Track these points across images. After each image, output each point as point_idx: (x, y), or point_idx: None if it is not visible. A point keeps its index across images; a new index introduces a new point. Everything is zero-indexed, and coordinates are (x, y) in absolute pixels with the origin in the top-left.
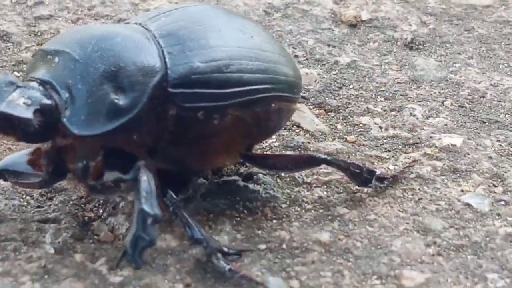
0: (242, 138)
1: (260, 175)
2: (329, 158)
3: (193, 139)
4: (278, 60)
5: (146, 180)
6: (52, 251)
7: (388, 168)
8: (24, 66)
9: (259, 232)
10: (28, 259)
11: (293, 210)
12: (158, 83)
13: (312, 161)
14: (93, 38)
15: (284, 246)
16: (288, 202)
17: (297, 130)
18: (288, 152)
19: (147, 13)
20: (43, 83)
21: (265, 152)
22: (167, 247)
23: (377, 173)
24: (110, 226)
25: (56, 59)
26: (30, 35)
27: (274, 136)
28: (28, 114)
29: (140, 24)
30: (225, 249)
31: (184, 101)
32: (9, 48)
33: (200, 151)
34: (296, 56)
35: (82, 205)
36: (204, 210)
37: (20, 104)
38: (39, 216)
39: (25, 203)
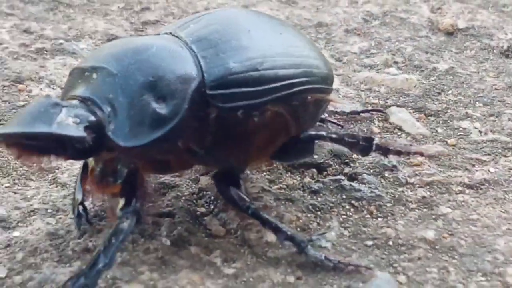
0: (282, 132)
1: (365, 175)
2: (320, 133)
3: (235, 138)
4: (308, 54)
5: (125, 227)
6: (168, 243)
7: (488, 170)
8: None
9: (365, 229)
10: (145, 251)
11: (397, 209)
12: (197, 88)
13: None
14: (128, 51)
15: (390, 243)
16: (392, 201)
17: (399, 133)
18: None
19: (175, 23)
20: (84, 100)
21: None
22: (277, 241)
23: (376, 141)
24: (221, 221)
25: (94, 75)
26: None
27: None
28: (80, 132)
29: (171, 33)
30: (313, 237)
31: (223, 102)
32: None
33: (243, 149)
34: (396, 62)
35: (194, 201)
36: (312, 207)
37: (70, 124)
38: (154, 211)
39: None
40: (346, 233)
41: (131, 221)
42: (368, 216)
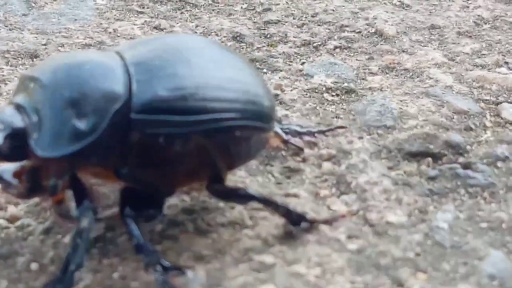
0: (207, 164)
1: (478, 164)
2: (260, 197)
3: (156, 163)
4: (248, 90)
5: (86, 224)
6: None
7: None
8: (256, 63)
9: (480, 213)
10: (275, 226)
11: (510, 196)
12: (120, 110)
13: (244, 197)
14: (64, 65)
15: (503, 226)
16: (505, 189)
17: (511, 127)
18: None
19: (131, 41)
20: (18, 106)
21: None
22: (398, 222)
23: (307, 218)
24: (344, 202)
25: (31, 85)
26: (260, 37)
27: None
28: None
29: (118, 52)
30: (166, 263)
31: (146, 127)
32: (242, 48)
33: (165, 175)
34: (506, 62)
35: (317, 184)
36: (429, 192)
37: None
38: (281, 191)
39: (267, 180)
40: (461, 216)
41: (90, 219)
42: (482, 201)
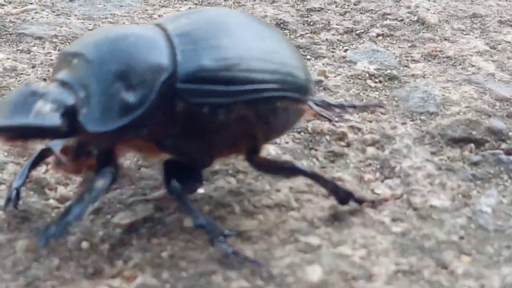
0: (248, 135)
1: None
2: (306, 170)
3: (200, 134)
4: (287, 62)
5: (99, 186)
6: (337, 203)
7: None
8: (300, 50)
9: None
10: (320, 208)
11: None
12: (167, 80)
13: (293, 171)
14: (107, 39)
15: None
16: None
17: None
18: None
19: (173, 14)
20: (63, 83)
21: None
22: (441, 206)
23: (355, 196)
24: (387, 186)
25: (74, 61)
26: (303, 24)
27: None
28: (56, 121)
29: (159, 24)
30: (226, 232)
31: (191, 97)
32: (286, 34)
33: (206, 145)
34: None
35: (361, 168)
36: (472, 177)
37: (47, 112)
38: (326, 175)
39: (312, 164)
40: (504, 201)
41: (106, 180)
42: None
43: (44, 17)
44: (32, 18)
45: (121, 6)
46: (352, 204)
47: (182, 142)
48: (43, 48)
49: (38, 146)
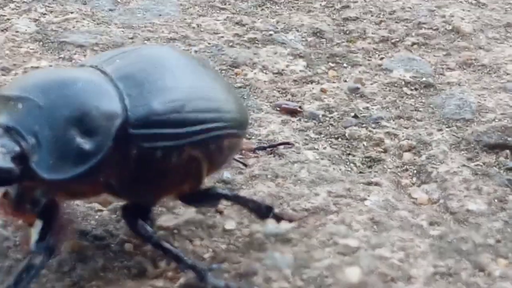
0: (196, 174)
1: None
2: (227, 193)
3: (151, 176)
4: (226, 99)
5: (36, 264)
6: (376, 207)
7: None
8: (336, 58)
9: None
10: (358, 212)
11: None
12: (120, 126)
13: (213, 196)
14: (54, 84)
15: None
16: None
17: None
18: None
19: (100, 55)
20: (7, 129)
21: None
22: (478, 210)
23: (274, 211)
24: (424, 191)
25: (19, 105)
26: (339, 33)
27: None
28: (8, 164)
29: (96, 66)
30: (212, 266)
31: (144, 142)
32: (322, 43)
33: (157, 186)
34: None
35: (398, 173)
36: (508, 182)
37: None
38: (363, 180)
39: (349, 169)
40: None
41: (44, 258)
42: None
43: (84, 25)
44: (73, 27)
45: (160, 15)
46: (390, 208)
47: (133, 185)
48: (84, 56)
49: None
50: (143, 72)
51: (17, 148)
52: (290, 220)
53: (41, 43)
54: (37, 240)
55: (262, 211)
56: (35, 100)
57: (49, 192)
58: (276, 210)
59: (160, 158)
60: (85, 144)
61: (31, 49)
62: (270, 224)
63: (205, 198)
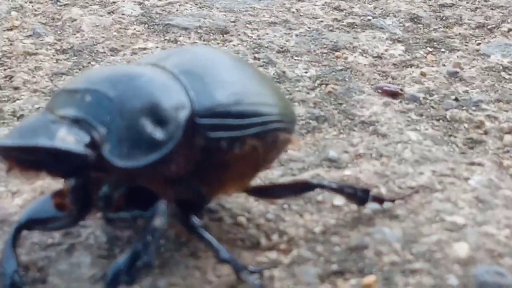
0: (253, 168)
1: None
2: (323, 183)
3: (214, 168)
4: (278, 95)
5: (159, 224)
6: (480, 186)
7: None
8: (434, 43)
9: None
10: (463, 190)
11: None
12: (188, 116)
13: (307, 187)
14: (121, 77)
15: None
16: None
17: None
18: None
19: (152, 55)
20: (77, 120)
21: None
22: None
23: (371, 193)
24: None
25: (87, 98)
26: (436, 19)
27: None
28: (83, 149)
29: (155, 64)
30: (250, 267)
31: (210, 131)
32: (420, 29)
33: (216, 180)
34: None
35: (500, 155)
36: None
37: (72, 141)
38: (466, 160)
39: (452, 150)
40: None
41: (163, 218)
42: None
43: (188, 9)
44: (177, 10)
45: (260, 0)
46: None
47: (194, 179)
48: (189, 38)
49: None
50: (200, 68)
51: (88, 137)
52: (391, 201)
53: (146, 25)
54: (146, 207)
55: (359, 195)
56: (104, 92)
57: (116, 183)
58: (374, 192)
59: (225, 149)
60: (157, 133)
61: (137, 31)
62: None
63: (300, 190)
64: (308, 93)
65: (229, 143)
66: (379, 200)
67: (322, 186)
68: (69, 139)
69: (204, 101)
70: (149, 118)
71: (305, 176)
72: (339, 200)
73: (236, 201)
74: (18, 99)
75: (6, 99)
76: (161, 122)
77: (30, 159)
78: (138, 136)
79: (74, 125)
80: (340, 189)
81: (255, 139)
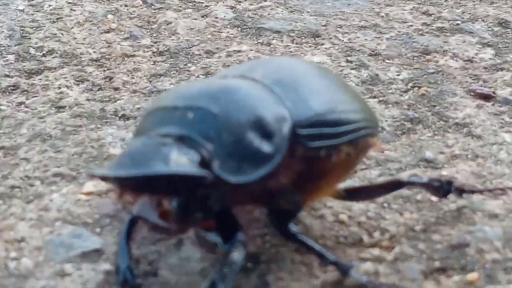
0: (344, 173)
1: None
2: (412, 179)
3: (310, 177)
4: (362, 102)
5: (236, 259)
6: None
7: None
8: None
9: None
10: None
11: None
12: (291, 127)
13: (398, 185)
14: (219, 92)
15: None
16: None
17: None
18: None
19: (235, 67)
20: (180, 138)
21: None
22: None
23: (454, 184)
24: None
25: (190, 114)
26: None
27: None
28: (200, 171)
29: (243, 75)
30: (354, 264)
31: (310, 141)
32: (508, 33)
33: (312, 188)
34: None
35: None
36: None
37: (186, 163)
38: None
39: None
40: None
41: (241, 252)
42: None
43: (279, 13)
44: (268, 14)
45: (349, 4)
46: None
47: (293, 187)
48: (282, 41)
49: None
50: (289, 78)
51: (198, 155)
52: (472, 192)
53: (239, 28)
54: (225, 237)
55: (444, 187)
56: (206, 107)
57: (223, 198)
58: (457, 184)
59: (323, 157)
60: (265, 146)
61: (230, 34)
62: (476, 199)
63: (390, 188)
64: (401, 95)
65: (327, 151)
66: (463, 191)
67: (412, 183)
68: (183, 161)
69: (301, 111)
70: (255, 131)
71: (403, 176)
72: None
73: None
74: (119, 99)
75: (107, 99)
76: (267, 135)
77: (145, 185)
78: (247, 151)
79: (181, 144)
80: (428, 184)
81: (349, 146)
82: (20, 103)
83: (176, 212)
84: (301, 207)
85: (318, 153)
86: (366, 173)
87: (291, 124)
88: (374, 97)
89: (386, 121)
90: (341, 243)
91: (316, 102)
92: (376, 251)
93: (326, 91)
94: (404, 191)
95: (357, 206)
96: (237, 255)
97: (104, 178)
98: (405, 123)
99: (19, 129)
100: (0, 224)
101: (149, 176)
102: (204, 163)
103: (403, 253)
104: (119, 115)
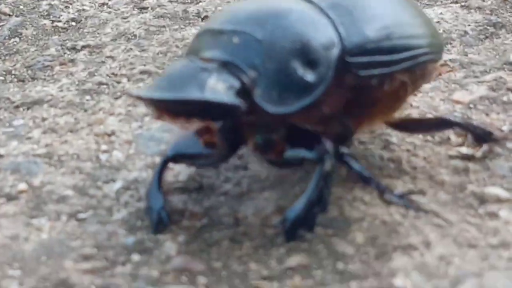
0: (400, 101)
1: None
2: (460, 121)
3: (362, 105)
4: (426, 24)
5: (329, 167)
6: None
7: None
8: None
9: None
10: None
11: None
12: (338, 55)
13: (445, 124)
14: (269, 16)
15: None
16: None
17: None
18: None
19: None
20: (224, 64)
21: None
22: None
23: (493, 134)
24: None
25: (235, 39)
26: None
27: None
28: (234, 100)
29: None
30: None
31: (362, 69)
32: None
33: (364, 115)
34: None
35: None
36: None
37: (222, 90)
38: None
39: None
40: None
41: (332, 161)
42: None
43: None
44: None
45: None
46: None
47: (345, 117)
48: None
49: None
50: (348, 1)
51: (238, 83)
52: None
53: None
54: (310, 149)
55: (487, 134)
56: (252, 33)
57: (269, 126)
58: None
59: (375, 86)
60: (309, 75)
61: None
62: None
63: (439, 126)
64: (483, 0)
65: (379, 80)
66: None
67: (458, 124)
68: (220, 88)
69: (354, 37)
70: (299, 59)
71: (488, 78)
72: None
73: (422, 99)
74: (201, 1)
75: (189, 1)
76: (312, 63)
77: (179, 109)
78: (290, 80)
79: (223, 70)
80: (472, 128)
81: (404, 74)
82: (103, 4)
83: (224, 137)
84: (354, 131)
85: (369, 82)
86: (451, 75)
87: (340, 52)
88: (456, 2)
89: (469, 25)
90: (429, 141)
91: (372, 27)
92: (463, 150)
93: (387, 15)
94: (490, 93)
95: (444, 107)
96: (329, 165)
97: (140, 99)
98: (488, 27)
99: (103, 29)
100: (89, 118)
101: (182, 100)
102: (245, 91)
103: (492, 152)
104: (202, 16)
